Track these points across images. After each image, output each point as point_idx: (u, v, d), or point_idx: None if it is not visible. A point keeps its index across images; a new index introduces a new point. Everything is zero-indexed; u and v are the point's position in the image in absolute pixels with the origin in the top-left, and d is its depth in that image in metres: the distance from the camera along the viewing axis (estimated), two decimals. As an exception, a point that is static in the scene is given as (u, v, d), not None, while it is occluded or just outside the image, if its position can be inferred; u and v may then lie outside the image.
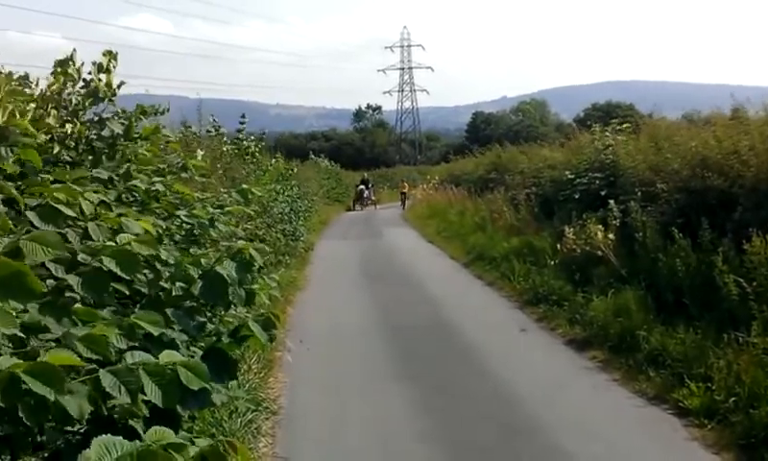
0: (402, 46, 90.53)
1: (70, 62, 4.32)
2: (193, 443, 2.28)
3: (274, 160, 18.58)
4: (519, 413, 5.94)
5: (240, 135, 14.96)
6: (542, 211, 13.90)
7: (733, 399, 5.49)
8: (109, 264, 3.08)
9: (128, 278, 3.20)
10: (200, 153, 6.77)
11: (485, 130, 72.73)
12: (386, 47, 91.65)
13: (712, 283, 6.96)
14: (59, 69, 4.23)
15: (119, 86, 4.60)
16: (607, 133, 13.09)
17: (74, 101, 4.36)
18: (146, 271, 3.61)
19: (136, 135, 5.16)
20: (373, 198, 37.82)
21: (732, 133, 8.77)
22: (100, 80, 4.40)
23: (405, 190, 37.49)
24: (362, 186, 37.16)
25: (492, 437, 5.42)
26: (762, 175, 7.76)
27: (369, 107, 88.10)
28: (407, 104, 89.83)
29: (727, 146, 8.69)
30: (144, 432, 2.86)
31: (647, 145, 11.00)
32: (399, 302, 10.61)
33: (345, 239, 19.73)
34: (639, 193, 9.82)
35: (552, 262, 10.72)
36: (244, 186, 5.78)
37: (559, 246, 10.67)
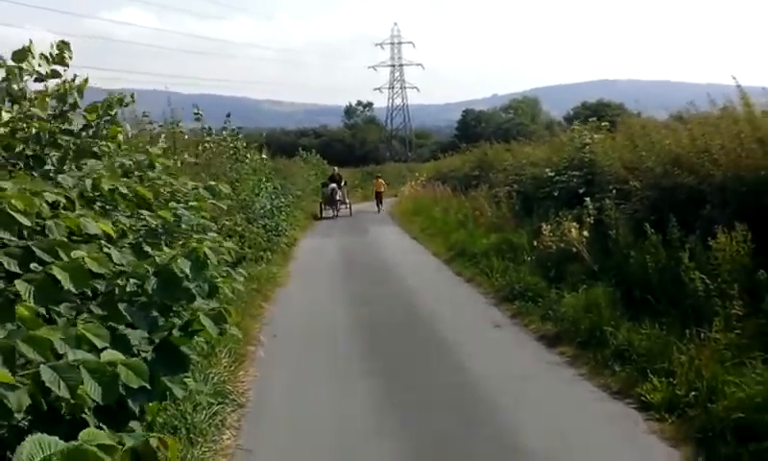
0: (393, 43, 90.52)
1: (29, 54, 4.35)
2: (123, 443, 2.36)
3: (250, 156, 18.64)
4: (482, 406, 6.03)
5: (224, 133, 14.98)
6: (523, 209, 14.01)
7: (693, 393, 5.59)
8: (60, 276, 3.13)
9: (76, 291, 3.24)
10: (161, 145, 6.80)
11: (475, 127, 72.75)
12: (376, 44, 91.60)
13: (679, 279, 7.05)
14: (10, 62, 4.24)
15: (85, 81, 4.64)
16: (585, 132, 13.24)
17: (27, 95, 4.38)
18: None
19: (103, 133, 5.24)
20: (347, 200, 29.18)
21: (706, 131, 8.87)
22: (52, 72, 4.43)
23: (381, 189, 32.36)
24: (332, 185, 28.17)
25: (451, 430, 5.50)
26: (730, 173, 7.85)
27: (359, 103, 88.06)
28: (398, 101, 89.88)
29: (699, 144, 8.79)
30: (96, 425, 2.95)
31: (623, 143, 11.13)
32: (377, 298, 10.67)
33: (329, 237, 19.73)
34: (614, 191, 9.95)
35: (529, 259, 10.84)
36: (211, 183, 5.85)
37: (536, 243, 10.77)
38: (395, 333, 8.62)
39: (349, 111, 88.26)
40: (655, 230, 8.07)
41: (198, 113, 15.16)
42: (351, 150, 74.22)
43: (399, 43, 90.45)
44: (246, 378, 6.63)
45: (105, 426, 2.81)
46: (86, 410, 2.95)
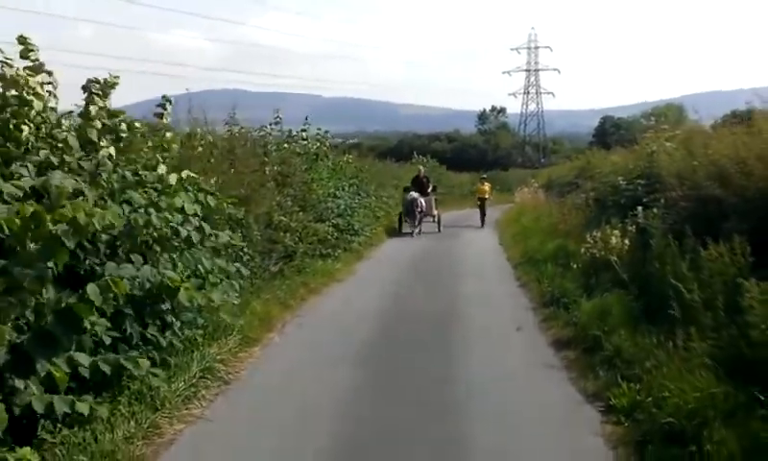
0: (529, 47, 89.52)
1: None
2: None
3: (345, 159, 19.48)
4: (455, 395, 6.34)
5: (296, 133, 15.81)
6: (596, 216, 13.91)
7: (649, 399, 5.66)
8: None
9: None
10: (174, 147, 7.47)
11: (613, 134, 70.61)
12: (512, 48, 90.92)
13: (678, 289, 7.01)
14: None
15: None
16: (659, 140, 12.99)
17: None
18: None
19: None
20: (434, 211, 22.21)
21: (746, 141, 8.65)
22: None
23: (486, 196, 26.23)
24: (413, 194, 21.05)
25: (418, 416, 5.83)
26: (753, 185, 7.67)
27: (493, 109, 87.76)
28: (532, 106, 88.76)
29: (743, 155, 8.58)
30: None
31: (683, 153, 10.92)
32: (423, 296, 11.07)
33: (413, 237, 20.06)
34: (663, 200, 9.85)
35: (575, 266, 10.86)
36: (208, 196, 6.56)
37: (582, 250, 10.79)
38: (418, 329, 8.87)
39: (483, 117, 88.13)
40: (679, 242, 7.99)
41: (278, 117, 16.11)
42: (484, 155, 74.15)
43: (536, 48, 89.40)
44: (247, 359, 7.20)
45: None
46: None
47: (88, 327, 4.79)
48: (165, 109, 6.93)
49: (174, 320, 6.39)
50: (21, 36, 6.09)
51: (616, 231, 9.88)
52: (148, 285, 5.78)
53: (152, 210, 5.97)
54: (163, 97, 6.85)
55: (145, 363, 5.10)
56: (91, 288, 4.67)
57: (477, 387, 6.61)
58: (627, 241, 9.67)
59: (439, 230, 21.76)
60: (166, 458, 4.88)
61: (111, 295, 4.75)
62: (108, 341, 5.13)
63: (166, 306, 6.11)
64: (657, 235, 8.92)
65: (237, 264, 7.92)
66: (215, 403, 6.00)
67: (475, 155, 72.63)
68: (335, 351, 7.76)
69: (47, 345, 4.22)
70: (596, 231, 10.77)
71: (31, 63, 6.09)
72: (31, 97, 5.75)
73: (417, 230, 20.74)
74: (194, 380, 6.06)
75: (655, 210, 9.61)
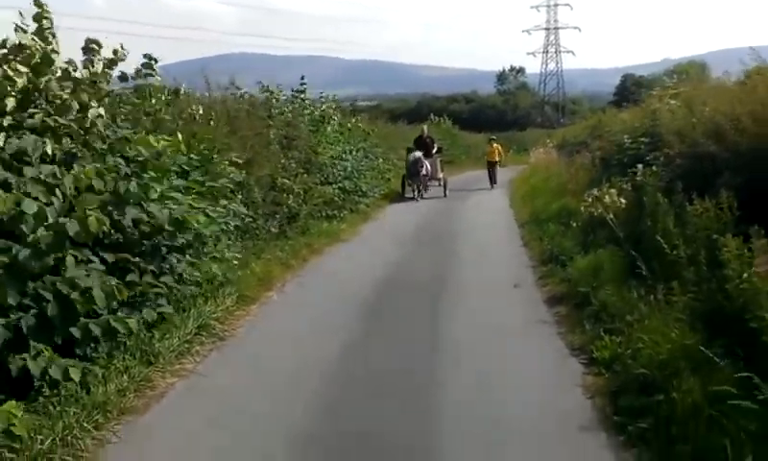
0: (548, 6, 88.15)
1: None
2: None
3: (354, 121, 19.55)
4: (441, 355, 6.52)
5: (301, 96, 15.92)
6: (600, 175, 13.91)
7: (628, 351, 5.80)
8: None
9: None
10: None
11: (633, 93, 69.69)
12: (531, 7, 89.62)
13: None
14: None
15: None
16: (663, 97, 12.96)
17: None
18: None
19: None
20: (439, 173, 21.12)
21: (742, 97, 8.65)
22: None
23: (496, 158, 25.07)
24: (417, 153, 19.67)
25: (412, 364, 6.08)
26: (745, 141, 7.70)
27: (512, 69, 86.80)
28: (552, 66, 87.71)
29: (738, 111, 8.58)
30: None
31: (684, 111, 10.90)
32: (425, 256, 11.25)
33: (417, 202, 19.68)
34: (662, 158, 9.89)
35: (575, 224, 10.94)
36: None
37: (582, 208, 10.84)
38: (416, 293, 8.89)
39: (502, 77, 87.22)
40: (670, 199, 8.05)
41: (303, 83, 16.36)
42: (503, 116, 73.45)
43: (555, 5, 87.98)
44: (245, 317, 7.42)
45: None
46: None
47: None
48: (153, 70, 6.98)
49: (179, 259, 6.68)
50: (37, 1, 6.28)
51: (612, 190, 9.89)
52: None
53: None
54: (145, 56, 6.88)
55: (134, 323, 5.32)
56: (97, 294, 5.02)
57: (465, 345, 6.76)
58: (623, 199, 9.70)
59: (445, 195, 20.59)
60: (156, 409, 5.12)
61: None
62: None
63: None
64: (650, 192, 8.98)
65: (234, 221, 8.11)
66: (209, 358, 6.21)
67: (493, 115, 71.91)
68: (333, 309, 7.94)
69: (45, 331, 4.53)
70: (596, 190, 10.81)
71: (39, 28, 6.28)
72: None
73: (419, 194, 19.63)
74: (189, 337, 6.28)
75: (653, 168, 9.64)
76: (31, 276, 4.78)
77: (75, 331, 4.93)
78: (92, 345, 5.23)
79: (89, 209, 5.09)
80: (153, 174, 6.41)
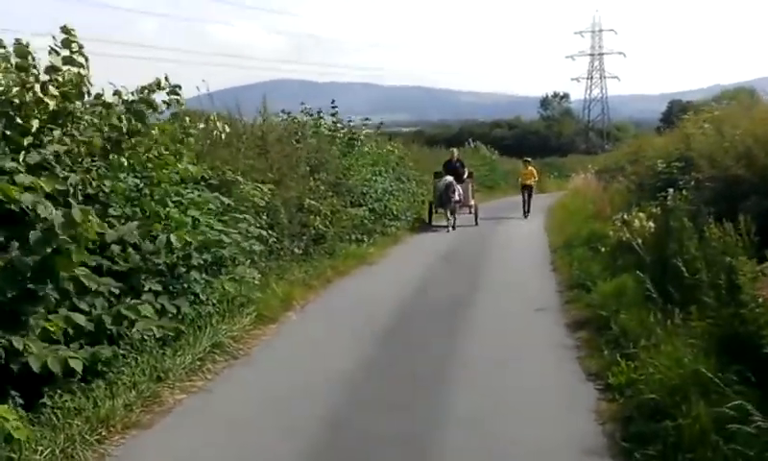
0: (593, 31, 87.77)
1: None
2: None
3: (388, 147, 19.68)
4: (456, 375, 6.45)
5: (334, 119, 16.19)
6: (636, 200, 13.74)
7: (642, 376, 5.67)
8: None
9: None
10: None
11: (680, 119, 68.75)
12: (575, 32, 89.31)
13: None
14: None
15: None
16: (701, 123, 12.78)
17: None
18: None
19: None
20: (471, 200, 19.77)
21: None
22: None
23: (530, 182, 23.00)
24: (448, 178, 18.22)
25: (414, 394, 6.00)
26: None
27: (555, 95, 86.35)
28: (596, 91, 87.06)
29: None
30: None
31: (715, 136, 10.74)
32: (451, 281, 11.17)
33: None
34: (693, 182, 9.75)
35: (603, 249, 10.80)
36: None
37: (611, 233, 10.72)
38: (437, 316, 8.85)
39: (545, 103, 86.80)
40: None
41: (334, 107, 16.78)
42: (546, 142, 73.03)
43: (600, 31, 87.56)
44: (262, 337, 7.47)
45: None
46: None
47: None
48: (178, 96, 7.08)
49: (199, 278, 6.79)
50: (65, 26, 6.47)
51: (641, 214, 9.78)
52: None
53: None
54: (166, 80, 6.96)
55: (147, 309, 5.39)
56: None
57: (481, 369, 6.68)
58: (652, 223, 9.56)
59: (476, 223, 19.26)
60: (161, 425, 5.16)
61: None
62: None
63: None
64: (677, 216, 8.82)
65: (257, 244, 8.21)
66: (220, 377, 6.26)
67: (536, 141, 71.48)
68: (350, 331, 7.94)
69: (29, 300, 4.61)
70: (625, 214, 10.68)
71: (69, 54, 6.45)
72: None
73: (451, 222, 18.02)
74: (202, 354, 6.33)
75: (684, 192, 9.50)
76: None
77: (88, 324, 5.06)
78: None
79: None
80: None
